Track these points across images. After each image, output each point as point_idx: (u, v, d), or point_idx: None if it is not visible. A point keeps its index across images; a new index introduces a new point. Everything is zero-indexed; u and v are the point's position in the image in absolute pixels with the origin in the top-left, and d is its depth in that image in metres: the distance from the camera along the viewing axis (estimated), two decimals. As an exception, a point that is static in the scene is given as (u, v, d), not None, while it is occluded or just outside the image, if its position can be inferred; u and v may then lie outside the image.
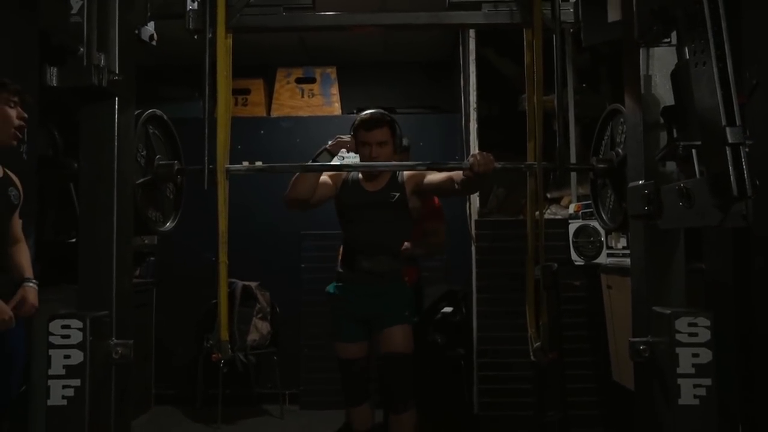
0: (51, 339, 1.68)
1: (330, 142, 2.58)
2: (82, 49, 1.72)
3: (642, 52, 1.86)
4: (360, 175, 2.68)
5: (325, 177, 2.65)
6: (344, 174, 2.69)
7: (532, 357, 2.13)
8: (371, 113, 2.62)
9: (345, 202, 2.68)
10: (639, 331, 1.88)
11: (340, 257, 2.75)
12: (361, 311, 2.61)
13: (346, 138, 2.60)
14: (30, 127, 2.71)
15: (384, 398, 2.60)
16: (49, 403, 1.67)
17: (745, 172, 1.35)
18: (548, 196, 3.96)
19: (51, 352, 1.68)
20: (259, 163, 2.12)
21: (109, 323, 1.80)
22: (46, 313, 1.73)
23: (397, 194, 2.61)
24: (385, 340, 2.56)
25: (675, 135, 1.73)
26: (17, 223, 2.35)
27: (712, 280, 2.54)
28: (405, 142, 2.94)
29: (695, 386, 1.65)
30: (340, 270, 2.70)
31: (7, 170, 2.32)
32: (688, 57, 1.52)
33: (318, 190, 2.59)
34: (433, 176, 2.56)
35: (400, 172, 2.66)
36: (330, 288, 2.74)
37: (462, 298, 3.96)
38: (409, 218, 2.69)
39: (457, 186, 2.39)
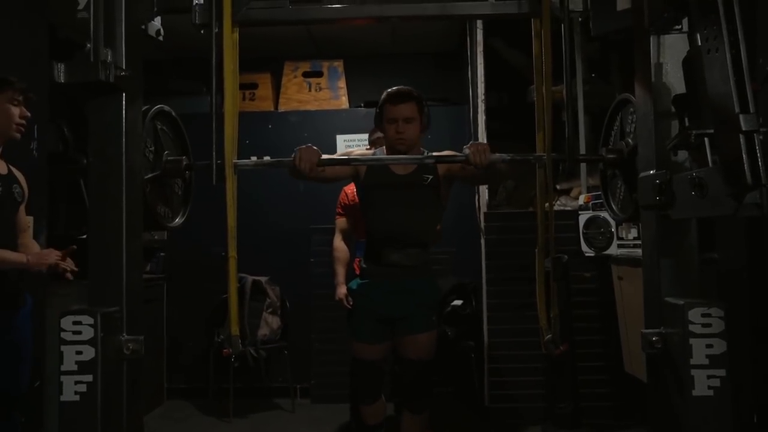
0: (63, 335, 1.70)
1: None
2: (89, 45, 1.73)
3: (653, 39, 1.84)
4: None
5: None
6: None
7: (543, 349, 2.12)
8: (399, 87, 2.45)
9: (370, 187, 2.47)
10: (651, 322, 1.86)
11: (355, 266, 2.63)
12: (385, 311, 2.46)
13: None
14: (40, 123, 2.73)
15: (400, 395, 2.57)
16: (62, 398, 1.69)
17: (760, 159, 1.33)
18: (558, 187, 3.93)
19: (63, 348, 1.70)
20: (267, 158, 2.10)
21: (120, 319, 1.81)
22: (58, 309, 1.74)
23: (431, 177, 2.42)
24: (410, 346, 2.45)
25: (687, 123, 1.71)
26: (23, 216, 2.37)
27: (726, 270, 2.51)
28: None
29: (709, 377, 1.64)
30: (364, 265, 2.55)
31: (11, 167, 2.33)
32: (700, 44, 1.50)
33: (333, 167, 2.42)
34: None
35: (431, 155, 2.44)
36: (353, 284, 2.64)
37: (472, 290, 3.96)
38: (441, 205, 2.51)
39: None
